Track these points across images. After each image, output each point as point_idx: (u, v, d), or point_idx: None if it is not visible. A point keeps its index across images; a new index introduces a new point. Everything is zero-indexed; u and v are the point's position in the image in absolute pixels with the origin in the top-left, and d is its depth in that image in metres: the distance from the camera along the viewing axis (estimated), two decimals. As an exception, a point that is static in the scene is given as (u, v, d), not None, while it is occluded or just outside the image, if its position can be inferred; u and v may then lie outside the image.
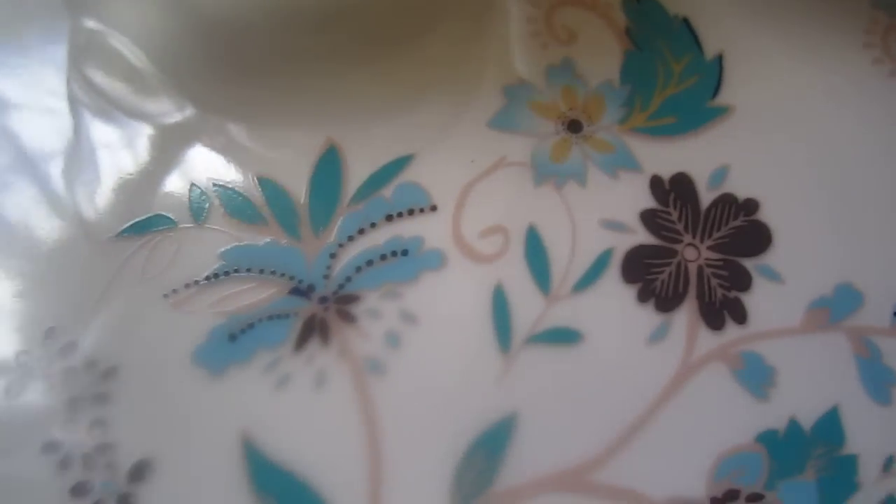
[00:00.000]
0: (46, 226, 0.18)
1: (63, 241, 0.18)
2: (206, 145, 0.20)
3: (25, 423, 0.16)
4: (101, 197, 0.18)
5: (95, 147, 0.20)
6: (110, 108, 0.20)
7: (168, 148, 0.20)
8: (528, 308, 0.18)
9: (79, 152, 0.19)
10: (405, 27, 0.21)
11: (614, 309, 0.18)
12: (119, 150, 0.20)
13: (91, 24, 0.22)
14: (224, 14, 0.21)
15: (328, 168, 0.19)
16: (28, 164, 0.19)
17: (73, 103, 0.21)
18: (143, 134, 0.20)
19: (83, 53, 0.22)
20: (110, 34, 0.22)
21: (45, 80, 0.21)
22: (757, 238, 0.18)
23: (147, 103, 0.20)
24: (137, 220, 0.18)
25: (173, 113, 0.20)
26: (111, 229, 0.18)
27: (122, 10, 0.22)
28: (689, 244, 0.18)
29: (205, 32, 0.21)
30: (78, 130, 0.20)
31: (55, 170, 0.19)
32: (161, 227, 0.18)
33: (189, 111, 0.20)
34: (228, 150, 0.19)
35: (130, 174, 0.19)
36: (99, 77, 0.21)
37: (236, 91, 0.20)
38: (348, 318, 0.17)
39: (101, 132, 0.20)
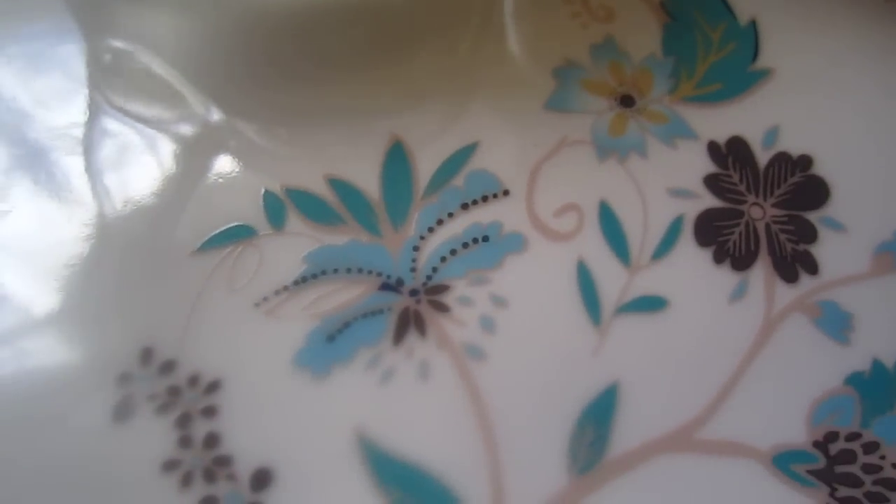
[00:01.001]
0: (124, 248, 0.18)
1: (144, 259, 0.18)
2: (263, 152, 0.20)
3: (141, 444, 0.16)
4: (172, 214, 0.18)
5: (151, 164, 0.19)
6: (158, 126, 0.20)
7: (217, 158, 0.20)
8: (612, 280, 0.18)
9: (156, 174, 0.19)
10: (443, 16, 0.21)
11: (694, 273, 0.18)
12: (171, 165, 0.19)
13: (115, 43, 0.22)
14: (257, 17, 0.21)
15: (396, 163, 0.19)
16: (80, 188, 0.19)
17: (104, 123, 0.20)
18: (192, 146, 0.20)
19: (107, 74, 0.22)
20: (137, 51, 0.22)
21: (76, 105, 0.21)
22: (816, 192, 0.19)
23: (186, 116, 0.20)
24: (217, 231, 0.18)
25: (217, 122, 0.20)
26: (191, 244, 0.18)
27: (150, 26, 0.22)
28: (754, 203, 0.19)
29: (238, 39, 0.21)
30: (126, 147, 0.20)
31: (117, 191, 0.19)
32: (242, 237, 0.18)
33: (232, 119, 0.20)
34: (289, 154, 0.19)
35: (191, 187, 0.19)
36: (135, 96, 0.21)
37: (285, 95, 0.20)
38: (441, 307, 0.17)
39: (160, 146, 0.19)
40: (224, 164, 0.19)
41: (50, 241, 0.18)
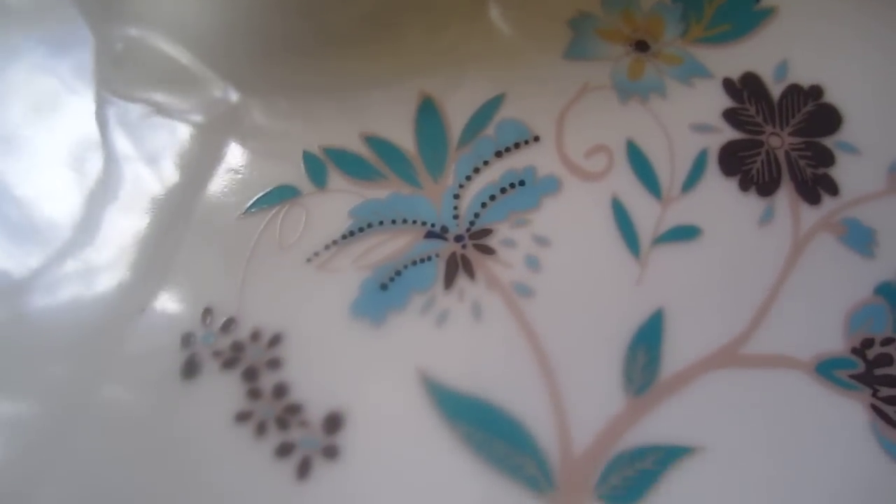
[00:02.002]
0: (174, 218, 0.18)
1: (195, 227, 0.18)
2: (297, 119, 0.20)
3: (210, 399, 0.16)
4: (216, 183, 0.19)
5: (192, 140, 0.20)
6: (191, 107, 0.21)
7: (255, 129, 0.20)
8: (646, 214, 0.19)
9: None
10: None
11: (722, 201, 0.19)
12: (211, 138, 0.20)
13: (127, 30, 0.22)
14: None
15: (428, 118, 0.19)
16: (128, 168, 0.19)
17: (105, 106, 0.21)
18: (226, 120, 0.20)
19: (119, 62, 0.22)
20: (149, 36, 0.22)
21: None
22: (829, 118, 0.20)
23: (215, 94, 0.21)
24: (262, 194, 0.18)
25: (246, 98, 0.20)
26: (238, 208, 0.18)
27: (162, 11, 0.22)
28: (772, 133, 0.20)
29: (254, 20, 0.22)
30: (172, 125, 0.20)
31: (159, 167, 0.19)
32: (287, 198, 0.18)
33: (262, 94, 0.20)
34: (324, 117, 0.20)
35: (231, 157, 0.19)
36: (160, 80, 0.21)
37: (308, 61, 0.21)
38: (487, 250, 0.18)
39: (196, 125, 0.20)
40: (262, 133, 0.19)
41: (101, 216, 0.18)
